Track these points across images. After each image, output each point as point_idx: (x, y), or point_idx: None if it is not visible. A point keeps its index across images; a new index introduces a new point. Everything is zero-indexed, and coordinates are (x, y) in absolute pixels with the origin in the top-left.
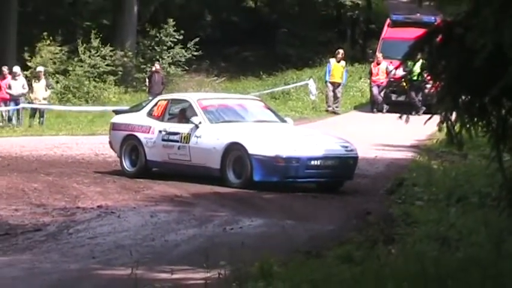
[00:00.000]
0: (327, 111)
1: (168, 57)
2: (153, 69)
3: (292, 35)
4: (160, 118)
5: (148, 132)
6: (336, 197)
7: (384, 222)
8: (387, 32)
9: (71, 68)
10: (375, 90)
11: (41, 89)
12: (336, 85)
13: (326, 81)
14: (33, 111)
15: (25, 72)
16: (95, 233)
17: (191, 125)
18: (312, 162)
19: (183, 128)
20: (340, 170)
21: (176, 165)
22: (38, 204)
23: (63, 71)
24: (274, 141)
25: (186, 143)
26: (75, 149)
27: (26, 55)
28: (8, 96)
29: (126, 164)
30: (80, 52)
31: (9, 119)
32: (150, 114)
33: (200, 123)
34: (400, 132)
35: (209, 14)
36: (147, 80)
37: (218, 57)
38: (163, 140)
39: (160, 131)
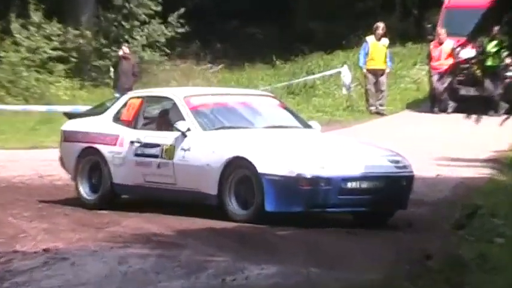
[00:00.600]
0: (370, 112)
1: (141, 36)
2: (121, 54)
3: (318, 3)
4: (132, 124)
5: (115, 144)
6: (381, 233)
7: (450, 269)
8: None
9: (3, 54)
10: (436, 80)
11: None
12: (378, 74)
13: (362, 69)
14: None
15: None
16: None
17: (176, 134)
18: (348, 185)
19: (164, 138)
20: (388, 195)
21: (155, 190)
22: None
23: None
24: (295, 155)
25: (169, 158)
26: (11, 168)
27: None
28: None
29: (84, 190)
30: (13, 31)
31: None
32: (117, 118)
33: (188, 130)
34: (473, 140)
35: None
36: (111, 69)
37: (212, 36)
38: (136, 154)
39: (132, 142)
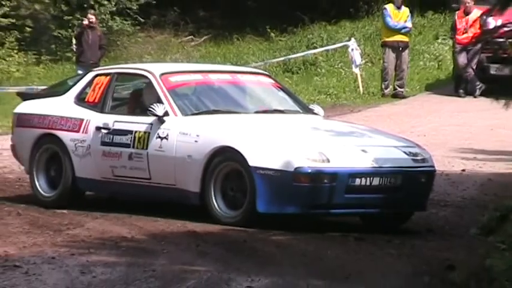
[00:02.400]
0: (382, 95)
1: (109, 2)
2: (85, 23)
3: None
4: (99, 106)
5: (78, 131)
6: (395, 239)
7: (476, 282)
8: None
9: None
10: (462, 57)
11: None
12: (400, 48)
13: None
14: None
15: None
16: None
17: (151, 119)
18: (357, 181)
19: (137, 124)
20: (403, 194)
21: (125, 186)
22: None
23: None
24: (292, 145)
25: (143, 148)
26: None
27: None
28: None
29: (41, 185)
30: None
31: None
32: (80, 99)
33: (166, 114)
34: (505, 130)
35: None
36: (74, 41)
37: (195, 3)
38: (103, 143)
39: (98, 129)
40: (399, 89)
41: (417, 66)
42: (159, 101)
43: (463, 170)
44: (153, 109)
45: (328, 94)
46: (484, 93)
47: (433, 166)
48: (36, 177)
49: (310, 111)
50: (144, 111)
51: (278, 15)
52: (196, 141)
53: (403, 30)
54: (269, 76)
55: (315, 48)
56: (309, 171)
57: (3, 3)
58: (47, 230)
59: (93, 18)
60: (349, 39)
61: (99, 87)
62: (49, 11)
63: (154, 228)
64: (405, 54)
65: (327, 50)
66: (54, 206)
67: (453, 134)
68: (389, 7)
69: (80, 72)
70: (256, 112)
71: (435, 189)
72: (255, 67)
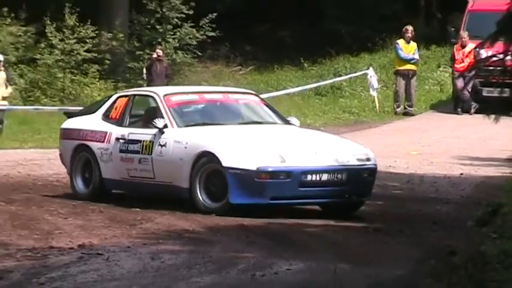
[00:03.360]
0: (395, 113)
1: (173, 39)
2: (154, 56)
3: (344, 6)
4: (119, 121)
5: (104, 141)
6: (407, 230)
7: (473, 265)
8: (475, 1)
9: (38, 57)
10: (460, 82)
11: None
12: (410, 75)
13: (411, 61)
14: None
15: None
16: (75, 283)
17: (155, 130)
18: (309, 177)
19: (145, 135)
20: (350, 187)
21: (138, 184)
22: None
23: (29, 61)
24: (256, 149)
25: (148, 154)
26: (47, 167)
27: None
28: None
29: (78, 184)
30: (48, 34)
31: None
32: (106, 116)
33: (165, 126)
34: (495, 141)
35: None
36: (145, 71)
37: (242, 39)
38: (121, 150)
39: (117, 139)
40: (409, 108)
41: (423, 90)
42: (161, 116)
43: (461, 174)
44: (155, 123)
45: (351, 113)
46: (477, 111)
47: (375, 164)
48: (75, 178)
49: (287, 122)
50: (152, 124)
51: (310, 49)
52: (185, 147)
53: (412, 61)
54: (256, 95)
55: (340, 75)
56: (268, 169)
57: (87, 41)
58: (124, 224)
59: (160, 52)
60: (368, 68)
61: (120, 107)
62: (124, 46)
63: (211, 222)
64: (413, 80)
65: (350, 77)
66: (88, 199)
67: (453, 144)
68: (401, 42)
69: None
70: (240, 123)
71: (437, 189)
72: (291, 91)
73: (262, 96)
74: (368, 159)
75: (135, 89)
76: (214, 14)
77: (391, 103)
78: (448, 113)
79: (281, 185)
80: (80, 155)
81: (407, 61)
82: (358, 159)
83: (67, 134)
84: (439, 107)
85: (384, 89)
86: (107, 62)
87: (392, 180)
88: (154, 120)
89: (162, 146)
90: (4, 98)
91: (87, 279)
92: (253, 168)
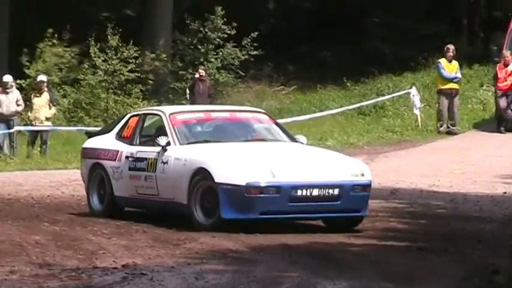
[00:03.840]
0: (438, 132)
1: (216, 59)
2: (197, 76)
3: (387, 26)
4: (130, 140)
5: (115, 160)
6: (451, 249)
7: None
8: None
9: (81, 77)
10: (502, 101)
11: (42, 106)
12: (453, 94)
13: (454, 80)
14: (33, 137)
15: (20, 82)
16: None
17: (159, 148)
18: (299, 193)
19: (150, 152)
20: (342, 203)
21: (145, 201)
22: (41, 263)
23: (72, 81)
24: (247, 165)
25: (153, 171)
26: None
27: (23, 59)
28: None
29: (94, 201)
30: (91, 54)
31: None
32: (119, 135)
33: (168, 144)
34: None
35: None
36: (188, 91)
37: (285, 59)
38: (129, 168)
39: (127, 157)
40: (452, 127)
41: (466, 109)
42: (166, 134)
43: (505, 192)
44: (158, 141)
45: (394, 132)
46: None
47: (368, 180)
48: (91, 196)
49: (294, 140)
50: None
51: (353, 69)
52: (184, 164)
53: (454, 80)
54: (265, 114)
55: (383, 95)
56: (257, 185)
57: (130, 61)
58: (168, 244)
59: (203, 72)
60: (411, 87)
61: (131, 126)
62: (167, 67)
63: (254, 242)
64: (456, 99)
65: (393, 97)
66: (102, 216)
67: (496, 163)
68: (442, 61)
69: None
70: (242, 141)
71: (481, 208)
72: (334, 111)
73: (306, 117)
74: (362, 175)
75: (146, 108)
76: (256, 33)
77: (434, 122)
78: (491, 131)
79: (271, 200)
80: (96, 173)
81: (450, 80)
82: (352, 175)
83: (86, 153)
84: (482, 125)
85: (426, 108)
86: (150, 82)
87: (436, 199)
88: (158, 138)
89: (164, 163)
90: (48, 119)
91: None
92: (243, 183)
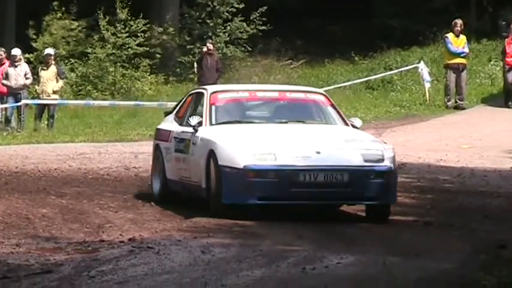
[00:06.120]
0: (446, 107)
1: (224, 33)
2: (205, 50)
3: (396, 0)
4: (181, 120)
5: (167, 141)
6: (457, 224)
7: None
8: None
9: (90, 50)
10: (511, 75)
11: (50, 79)
12: (460, 69)
13: (461, 54)
14: (40, 110)
15: (28, 56)
16: (125, 276)
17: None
18: (301, 177)
19: (188, 133)
20: (352, 190)
21: (184, 185)
22: (48, 236)
23: (80, 55)
24: (249, 146)
25: (187, 153)
26: (98, 161)
27: (30, 33)
28: (4, 89)
29: (154, 184)
30: (100, 28)
31: (7, 121)
32: (176, 114)
33: (200, 124)
34: None
35: None
36: (195, 65)
37: (293, 34)
38: (175, 150)
39: (175, 138)
40: (460, 102)
41: (474, 83)
42: (202, 114)
43: None
44: (189, 121)
45: (402, 106)
46: None
47: (387, 166)
48: (154, 179)
49: (346, 123)
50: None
51: (361, 43)
52: (204, 146)
53: (462, 55)
54: (323, 94)
55: (391, 69)
56: (254, 168)
57: (139, 35)
58: (174, 218)
59: (211, 46)
60: (419, 62)
61: (185, 105)
62: (175, 41)
63: (261, 215)
64: (464, 74)
65: (401, 71)
66: (159, 200)
67: (504, 138)
68: (450, 35)
69: None
70: (280, 122)
71: (488, 183)
72: (343, 85)
73: None
74: (379, 161)
75: (199, 87)
76: (265, 8)
77: (442, 97)
78: (499, 106)
79: (270, 184)
80: (156, 154)
81: (457, 55)
82: (366, 160)
83: (155, 134)
84: (490, 100)
85: (434, 82)
86: (158, 56)
87: (443, 173)
88: (189, 118)
89: (194, 144)
90: (55, 92)
91: (137, 273)
92: (240, 166)
